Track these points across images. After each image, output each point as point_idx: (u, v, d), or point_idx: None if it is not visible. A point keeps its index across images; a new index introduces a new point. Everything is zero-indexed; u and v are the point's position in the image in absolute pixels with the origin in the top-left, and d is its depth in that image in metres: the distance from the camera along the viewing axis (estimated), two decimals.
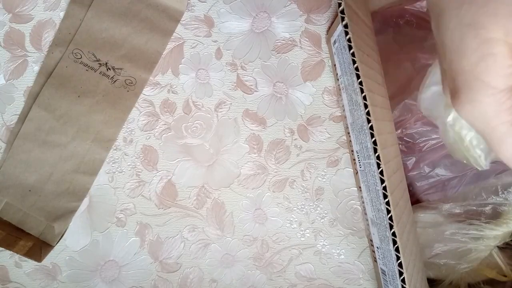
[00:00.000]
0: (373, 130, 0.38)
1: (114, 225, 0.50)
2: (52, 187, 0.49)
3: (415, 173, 0.62)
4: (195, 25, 0.51)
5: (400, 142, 0.57)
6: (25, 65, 0.50)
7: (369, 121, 0.38)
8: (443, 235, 0.51)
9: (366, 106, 0.38)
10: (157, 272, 0.51)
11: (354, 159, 0.49)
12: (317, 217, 0.51)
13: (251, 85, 0.51)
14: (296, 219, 0.51)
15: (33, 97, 0.49)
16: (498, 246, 0.51)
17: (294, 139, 0.51)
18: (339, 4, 0.38)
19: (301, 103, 0.51)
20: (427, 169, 0.62)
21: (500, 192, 0.51)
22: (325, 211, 0.51)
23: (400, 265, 0.39)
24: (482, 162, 0.37)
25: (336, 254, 0.51)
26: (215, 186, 0.51)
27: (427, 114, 0.41)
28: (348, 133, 0.49)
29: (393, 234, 0.38)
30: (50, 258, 0.50)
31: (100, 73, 0.49)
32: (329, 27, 0.51)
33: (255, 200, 0.51)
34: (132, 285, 0.51)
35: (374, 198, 0.44)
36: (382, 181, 0.38)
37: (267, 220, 0.51)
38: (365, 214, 0.49)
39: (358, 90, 0.39)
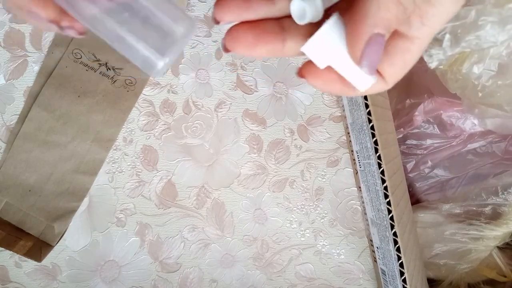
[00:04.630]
0: (374, 130, 0.38)
1: (114, 225, 0.50)
2: (52, 187, 0.48)
3: (414, 173, 0.62)
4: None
5: (401, 143, 0.57)
6: (25, 65, 0.50)
7: (370, 121, 0.38)
8: (443, 235, 0.52)
9: (367, 106, 0.38)
10: (157, 272, 0.51)
11: (354, 159, 0.49)
12: (317, 217, 0.51)
13: (251, 85, 0.51)
14: (296, 219, 0.51)
15: (33, 97, 0.49)
16: (498, 247, 0.51)
17: (294, 139, 0.51)
18: None
19: (301, 103, 0.51)
20: (426, 170, 0.62)
21: (500, 193, 0.51)
22: (325, 211, 0.51)
23: (401, 265, 0.39)
24: None
25: (336, 254, 0.51)
26: (215, 186, 0.51)
27: None
28: (348, 133, 0.49)
29: (394, 234, 0.38)
30: (50, 258, 0.50)
31: (100, 73, 0.49)
32: None
33: (255, 200, 0.51)
34: (132, 285, 0.50)
35: (374, 198, 0.44)
36: (383, 181, 0.39)
37: (267, 220, 0.51)
38: (365, 214, 0.49)
39: None
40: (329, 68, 0.23)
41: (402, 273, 0.39)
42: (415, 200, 0.62)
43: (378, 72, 0.23)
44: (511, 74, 0.45)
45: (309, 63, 0.24)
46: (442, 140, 0.60)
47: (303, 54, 0.23)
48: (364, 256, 0.51)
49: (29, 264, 0.50)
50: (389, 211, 0.39)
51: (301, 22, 0.23)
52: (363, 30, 0.20)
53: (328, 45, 0.22)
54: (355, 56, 0.21)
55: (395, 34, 0.23)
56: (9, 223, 0.48)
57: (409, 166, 0.61)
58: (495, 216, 0.51)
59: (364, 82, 0.23)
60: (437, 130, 0.59)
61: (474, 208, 0.52)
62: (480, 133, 0.59)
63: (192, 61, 0.51)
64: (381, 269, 0.47)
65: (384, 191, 0.39)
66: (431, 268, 0.53)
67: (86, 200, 0.50)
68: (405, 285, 0.39)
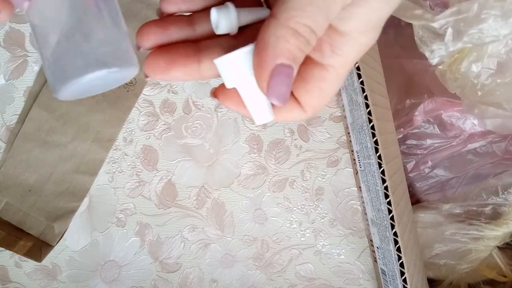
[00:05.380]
0: (374, 130, 0.38)
1: (114, 225, 0.50)
2: (52, 187, 0.48)
3: (414, 173, 0.62)
4: None
5: (401, 143, 0.57)
6: (25, 65, 0.50)
7: (370, 120, 0.38)
8: (443, 235, 0.51)
9: (367, 105, 0.38)
10: (157, 272, 0.51)
11: (354, 159, 0.49)
12: (317, 217, 0.51)
13: None
14: (296, 219, 0.51)
15: (33, 97, 0.49)
16: (498, 247, 0.51)
17: (294, 139, 0.51)
18: None
19: None
20: (426, 170, 0.62)
21: (500, 193, 0.51)
22: (325, 211, 0.51)
23: (401, 265, 0.39)
24: None
25: (336, 254, 0.51)
26: (215, 186, 0.51)
27: None
28: (348, 133, 0.49)
29: (394, 234, 0.38)
30: (50, 258, 0.50)
31: None
32: None
33: (255, 200, 0.51)
34: (132, 285, 0.50)
35: (374, 198, 0.44)
36: (383, 181, 0.39)
37: (267, 220, 0.51)
38: (365, 214, 0.49)
39: (359, 89, 0.39)
40: (236, 90, 0.23)
41: (402, 273, 0.39)
42: (415, 200, 0.62)
43: (295, 98, 0.23)
44: (510, 72, 0.45)
45: (224, 84, 0.24)
46: (442, 140, 0.60)
47: (220, 76, 0.23)
48: (364, 256, 0.51)
49: (29, 264, 0.50)
50: (389, 211, 0.39)
51: (217, 32, 0.23)
52: (266, 61, 0.20)
53: (240, 68, 0.22)
54: (262, 87, 0.21)
55: (310, 61, 0.22)
56: (9, 223, 0.48)
57: (409, 166, 0.61)
58: (495, 216, 0.51)
59: (261, 116, 0.23)
60: (437, 130, 0.59)
61: (474, 208, 0.52)
62: (480, 133, 0.59)
63: None
64: (381, 269, 0.47)
65: (384, 191, 0.39)
66: (431, 268, 0.53)
67: (86, 200, 0.50)
68: (406, 285, 0.39)
